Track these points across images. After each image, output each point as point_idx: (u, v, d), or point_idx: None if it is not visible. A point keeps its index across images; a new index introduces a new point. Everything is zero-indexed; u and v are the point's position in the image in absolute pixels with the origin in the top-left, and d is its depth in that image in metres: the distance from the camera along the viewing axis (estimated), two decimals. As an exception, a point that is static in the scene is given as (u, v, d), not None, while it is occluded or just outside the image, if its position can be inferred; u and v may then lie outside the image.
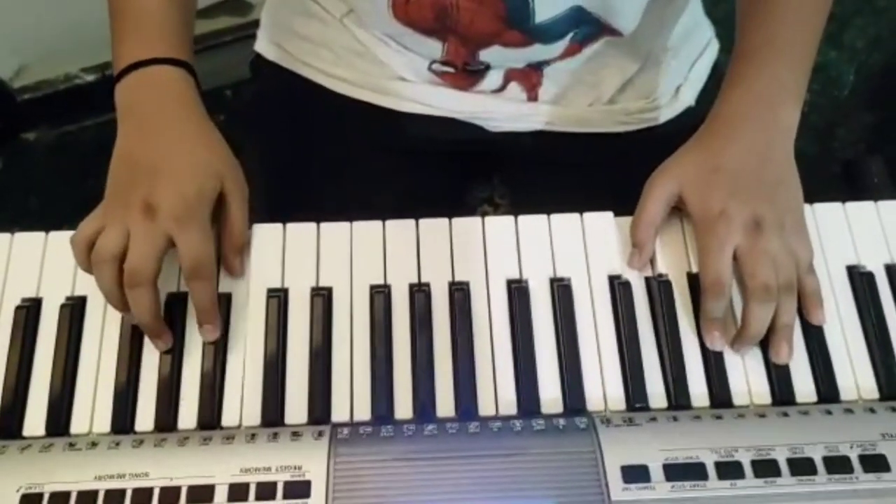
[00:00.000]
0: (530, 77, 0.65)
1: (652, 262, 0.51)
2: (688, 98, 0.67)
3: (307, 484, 0.43)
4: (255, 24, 1.25)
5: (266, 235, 0.51)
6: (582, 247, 0.51)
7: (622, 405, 0.47)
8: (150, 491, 0.42)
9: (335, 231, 0.51)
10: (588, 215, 0.52)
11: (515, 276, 0.50)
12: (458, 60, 0.63)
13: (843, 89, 1.41)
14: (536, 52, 0.62)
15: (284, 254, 0.50)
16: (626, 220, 0.52)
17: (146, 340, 0.48)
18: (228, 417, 0.46)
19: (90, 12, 1.12)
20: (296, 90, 0.69)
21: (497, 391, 0.47)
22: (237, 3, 1.20)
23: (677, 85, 0.67)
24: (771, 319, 0.47)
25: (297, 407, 0.46)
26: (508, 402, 0.47)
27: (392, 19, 0.60)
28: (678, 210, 0.52)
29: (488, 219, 0.52)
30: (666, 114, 0.66)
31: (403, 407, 0.47)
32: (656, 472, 0.43)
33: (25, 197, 1.26)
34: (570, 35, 0.61)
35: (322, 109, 0.68)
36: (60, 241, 0.51)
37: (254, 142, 0.71)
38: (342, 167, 0.67)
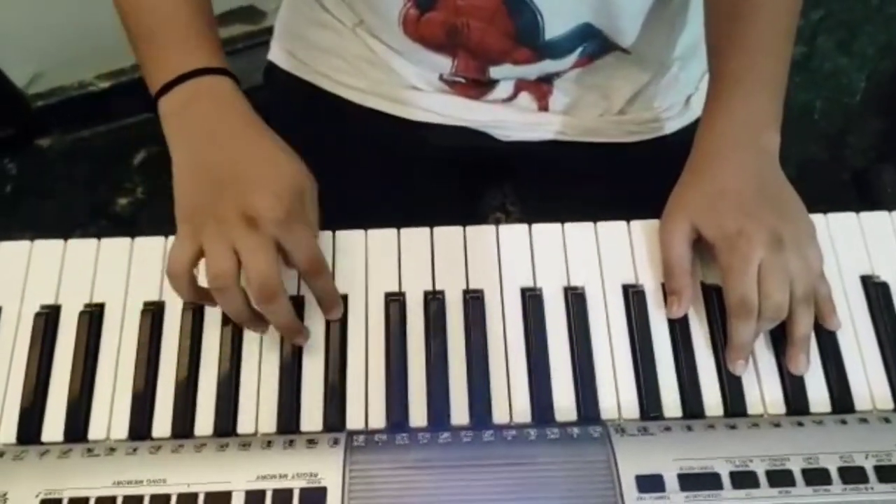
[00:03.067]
0: (540, 87, 0.66)
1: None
2: (698, 108, 0.67)
3: (323, 491, 0.43)
4: (268, 31, 1.26)
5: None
6: (596, 255, 0.51)
7: (636, 414, 0.47)
8: (167, 497, 0.43)
9: (350, 239, 0.52)
10: (602, 224, 0.52)
11: (529, 284, 0.50)
12: (469, 75, 0.63)
13: (853, 96, 1.41)
14: (546, 66, 0.62)
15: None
16: (640, 225, 0.52)
17: (163, 346, 0.48)
18: (244, 424, 0.47)
19: (104, 20, 1.13)
20: (308, 98, 0.70)
21: (511, 399, 0.47)
22: (250, 10, 1.21)
23: (688, 95, 0.68)
24: (789, 330, 0.47)
25: (312, 414, 0.47)
26: (522, 411, 0.47)
27: (402, 36, 0.61)
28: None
29: (502, 227, 0.52)
30: (676, 124, 0.67)
31: (418, 415, 0.47)
32: (671, 482, 0.43)
33: (40, 202, 1.27)
34: (579, 50, 0.61)
35: (334, 117, 0.69)
36: (79, 249, 0.51)
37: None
38: (354, 175, 0.67)
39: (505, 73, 0.63)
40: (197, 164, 0.48)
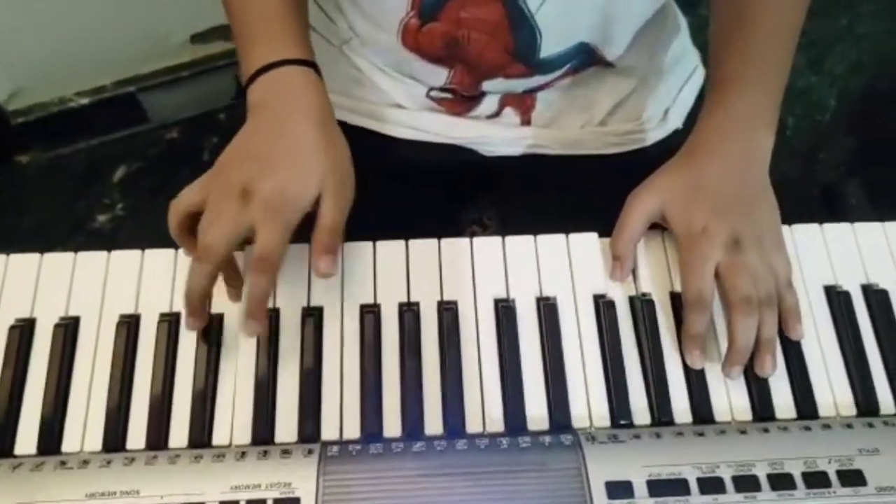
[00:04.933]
0: (524, 101, 0.67)
1: (636, 281, 0.52)
2: (675, 121, 0.69)
3: (296, 501, 0.43)
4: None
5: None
6: (567, 267, 0.52)
7: (607, 422, 0.48)
8: (141, 509, 0.43)
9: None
10: (573, 236, 0.53)
11: (503, 295, 0.51)
12: (462, 87, 0.65)
13: (824, 113, 1.44)
14: (534, 81, 0.64)
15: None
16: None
17: (138, 359, 0.49)
18: (219, 436, 0.47)
19: (85, 37, 1.14)
20: None
21: (484, 409, 0.48)
22: (230, 27, 1.22)
23: (665, 108, 0.69)
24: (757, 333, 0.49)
25: (287, 426, 0.47)
26: (495, 420, 0.48)
27: (401, 47, 0.62)
28: (662, 229, 0.53)
29: (476, 239, 0.53)
30: (654, 136, 0.68)
31: (392, 425, 0.47)
32: (640, 488, 0.44)
33: (19, 218, 1.26)
34: (568, 65, 0.63)
35: None
36: (55, 263, 0.51)
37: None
38: None
39: (495, 87, 0.65)
40: (243, 142, 0.51)
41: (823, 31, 1.52)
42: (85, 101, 1.22)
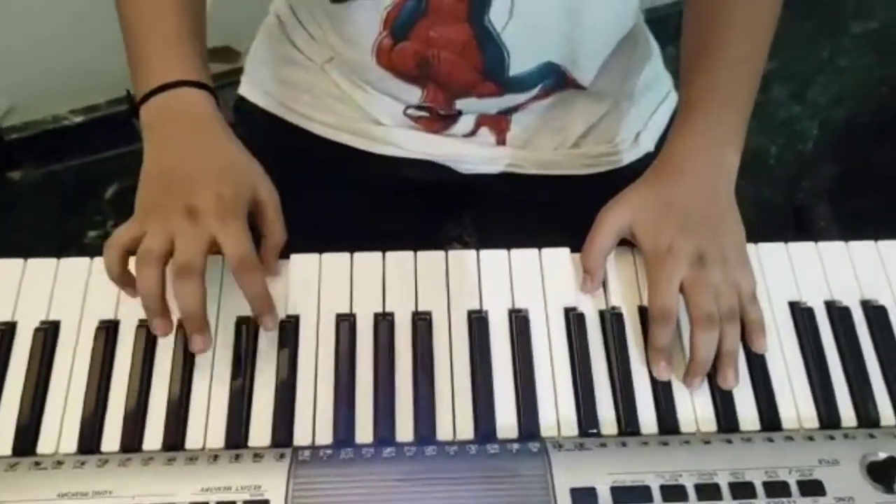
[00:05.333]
0: (500, 122, 0.69)
1: (606, 295, 0.54)
2: (647, 144, 0.71)
3: (265, 503, 0.44)
4: (242, 70, 1.30)
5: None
6: (540, 280, 0.54)
7: (575, 431, 0.49)
8: (111, 509, 0.44)
9: (305, 262, 0.54)
10: (546, 251, 0.55)
11: (476, 307, 0.53)
12: (436, 105, 0.67)
13: (806, 143, 1.47)
14: (508, 100, 0.66)
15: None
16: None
17: (116, 364, 0.50)
18: (193, 440, 0.48)
19: (79, 56, 1.16)
20: (276, 131, 0.72)
21: (455, 417, 0.49)
22: (226, 50, 1.25)
23: (637, 131, 0.71)
24: (716, 347, 0.50)
25: (260, 430, 0.48)
26: (466, 428, 0.49)
27: (375, 65, 0.64)
28: (632, 246, 0.55)
29: (451, 252, 0.54)
30: (627, 158, 0.70)
31: (364, 431, 0.48)
32: (604, 495, 0.45)
33: (9, 234, 1.27)
34: (540, 86, 0.65)
35: (302, 150, 0.71)
36: (37, 268, 0.53)
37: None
38: (320, 205, 0.70)
39: (469, 106, 0.67)
40: (159, 167, 0.52)
41: (806, 63, 1.56)
42: (79, 119, 1.24)
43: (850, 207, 1.28)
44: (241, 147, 0.53)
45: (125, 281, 0.49)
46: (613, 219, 0.54)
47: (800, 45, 1.58)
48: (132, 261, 0.49)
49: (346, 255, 0.54)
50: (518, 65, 0.62)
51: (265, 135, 0.73)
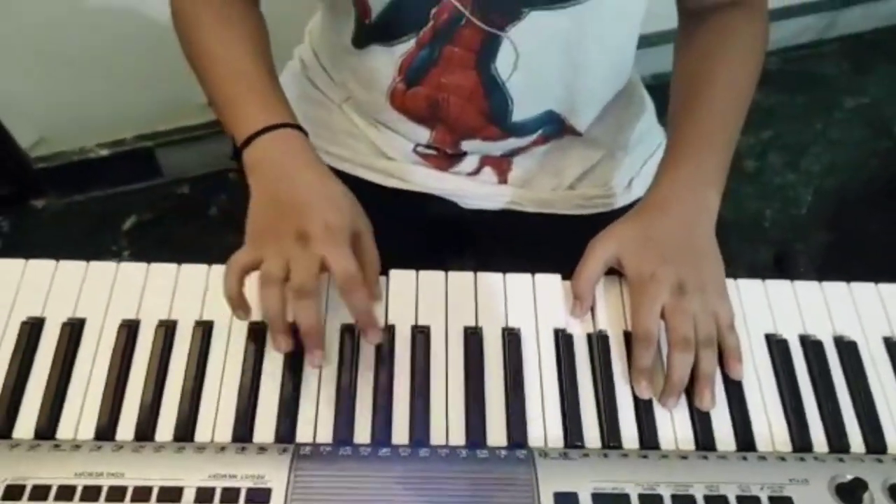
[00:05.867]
0: (502, 163, 0.74)
1: (594, 319, 0.57)
2: (639, 190, 0.76)
3: (268, 491, 0.47)
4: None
5: (253, 276, 0.57)
6: (532, 303, 0.58)
7: (560, 443, 0.52)
8: (124, 489, 0.46)
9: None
10: (538, 276, 0.59)
11: (472, 323, 0.56)
12: (443, 145, 0.72)
13: (800, 208, 1.52)
14: (510, 144, 0.71)
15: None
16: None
17: (134, 360, 0.53)
18: (202, 433, 0.51)
19: (110, 93, 1.23)
20: None
21: (448, 423, 0.52)
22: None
23: (630, 178, 0.77)
24: (694, 370, 0.53)
25: (265, 427, 0.51)
26: (458, 434, 0.52)
27: (389, 107, 0.69)
28: (619, 276, 0.59)
29: (451, 273, 0.58)
30: (619, 202, 0.75)
31: (363, 432, 0.51)
32: (585, 500, 0.48)
33: (27, 260, 1.32)
34: (539, 131, 0.70)
35: None
36: (68, 269, 0.57)
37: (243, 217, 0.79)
38: None
39: (474, 148, 0.72)
40: (268, 198, 0.56)
41: (800, 134, 1.63)
42: (105, 152, 1.30)
43: (839, 269, 1.32)
44: (339, 180, 0.58)
45: (241, 303, 0.53)
46: (602, 249, 0.58)
47: (795, 118, 1.66)
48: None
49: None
50: (520, 111, 0.68)
51: None
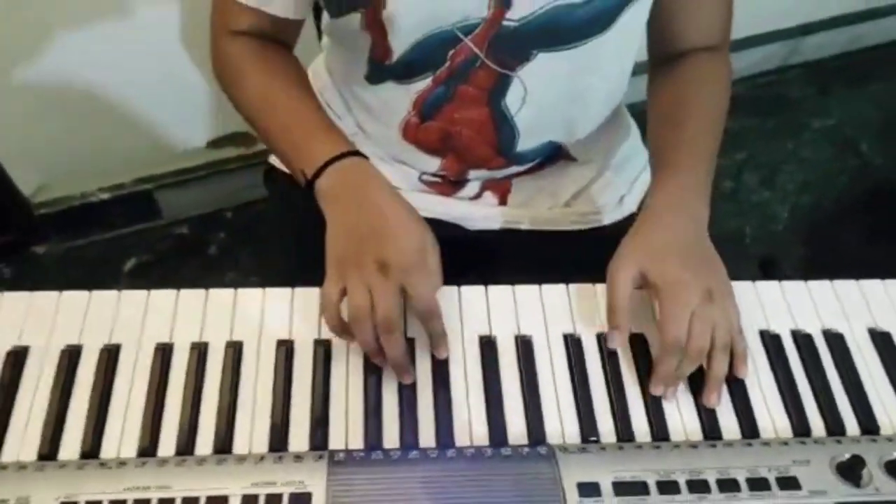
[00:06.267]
0: (501, 187, 0.79)
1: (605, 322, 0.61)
2: (631, 206, 0.81)
3: (309, 495, 0.50)
4: (260, 154, 1.42)
5: (277, 296, 0.61)
6: (541, 311, 0.62)
7: (577, 439, 0.55)
8: (172, 500, 0.49)
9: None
10: (545, 287, 0.63)
11: (486, 332, 0.60)
12: (451, 174, 0.77)
13: (778, 224, 1.59)
14: (510, 170, 0.76)
15: (292, 313, 0.60)
16: (575, 288, 0.63)
17: (171, 380, 0.56)
18: (240, 445, 0.54)
19: (111, 138, 1.27)
20: (306, 196, 0.81)
21: (471, 426, 0.55)
22: (243, 135, 1.36)
23: (622, 195, 0.81)
24: (706, 371, 0.57)
25: (299, 437, 0.54)
26: (481, 436, 0.55)
27: (401, 140, 0.74)
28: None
29: (464, 287, 0.62)
30: (612, 217, 0.80)
31: (391, 438, 0.54)
32: (606, 489, 0.51)
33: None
34: (538, 159, 0.75)
35: None
36: (101, 299, 0.60)
37: (271, 240, 0.83)
38: None
39: (479, 175, 0.77)
40: (345, 225, 0.59)
41: (773, 153, 1.70)
42: (105, 195, 1.33)
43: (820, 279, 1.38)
44: (405, 200, 0.62)
45: (344, 332, 0.57)
46: (624, 272, 0.59)
47: (766, 139, 1.73)
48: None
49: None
50: (525, 143, 0.73)
51: (294, 198, 0.82)
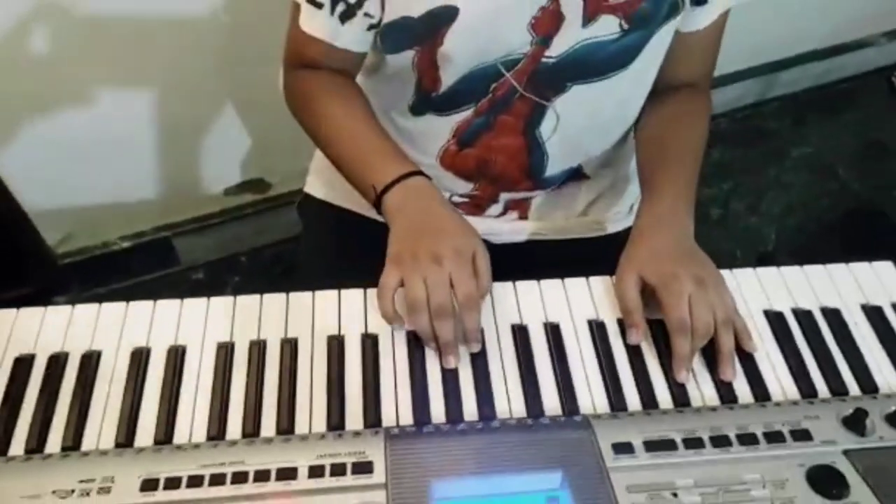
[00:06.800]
0: (522, 204, 0.86)
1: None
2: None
3: (370, 464, 0.54)
4: (275, 199, 1.49)
5: (326, 298, 0.67)
6: (565, 301, 0.68)
7: (607, 409, 0.61)
8: (245, 473, 0.54)
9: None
10: (568, 280, 0.69)
11: (517, 321, 0.66)
12: (483, 196, 0.84)
13: (767, 245, 1.67)
14: (535, 193, 0.84)
15: (340, 310, 0.66)
16: (595, 280, 0.69)
17: (234, 374, 0.61)
18: (300, 426, 0.59)
19: (133, 189, 1.33)
20: (340, 220, 0.88)
21: (510, 401, 0.61)
22: (259, 182, 1.43)
23: (630, 204, 0.89)
24: (716, 348, 0.63)
25: (355, 416, 0.59)
26: (519, 410, 0.60)
27: (438, 166, 0.81)
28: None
29: (494, 284, 0.68)
30: (623, 225, 0.87)
31: (437, 414, 0.59)
32: (639, 447, 0.56)
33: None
34: (560, 182, 0.83)
35: (362, 232, 0.86)
36: (166, 306, 0.65)
37: (307, 262, 0.90)
38: (374, 275, 0.83)
39: (507, 197, 0.84)
40: (407, 229, 0.66)
41: (757, 181, 1.80)
42: (127, 244, 1.39)
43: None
44: (461, 214, 0.69)
45: (396, 319, 0.63)
46: (627, 280, 0.66)
47: (749, 169, 1.83)
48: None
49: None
50: (552, 168, 0.81)
51: (329, 222, 0.89)
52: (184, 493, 0.52)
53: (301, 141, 0.99)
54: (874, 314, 0.68)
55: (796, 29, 1.81)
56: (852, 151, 1.87)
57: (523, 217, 0.87)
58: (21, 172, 1.21)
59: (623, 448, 0.56)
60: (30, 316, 0.65)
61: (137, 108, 1.21)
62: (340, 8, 0.70)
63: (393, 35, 0.71)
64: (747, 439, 0.57)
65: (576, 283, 0.69)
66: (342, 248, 0.87)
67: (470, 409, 0.60)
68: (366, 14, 0.70)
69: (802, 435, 0.57)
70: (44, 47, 1.07)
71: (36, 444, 0.57)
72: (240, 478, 0.53)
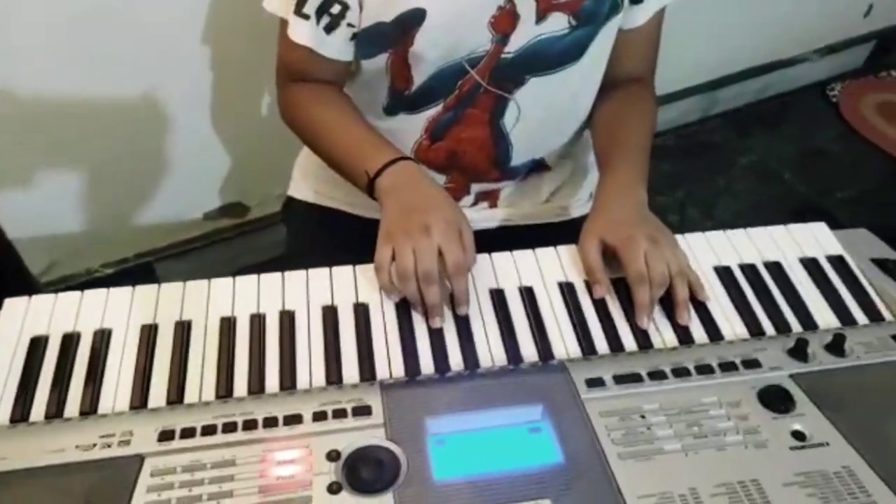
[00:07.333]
0: (492, 195, 0.94)
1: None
2: (597, 200, 0.96)
3: (368, 407, 0.60)
4: (252, 223, 1.54)
5: (319, 276, 0.72)
6: (537, 268, 0.75)
7: (579, 354, 0.67)
8: (255, 421, 0.59)
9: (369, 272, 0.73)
10: (539, 250, 0.76)
11: (494, 286, 0.73)
12: (456, 188, 0.91)
13: (722, 247, 1.76)
14: (503, 183, 0.91)
15: (332, 285, 0.72)
16: (563, 248, 0.76)
17: (237, 341, 0.66)
18: (302, 382, 0.64)
19: (115, 217, 1.37)
20: (323, 219, 0.94)
21: (492, 352, 0.67)
22: (238, 206, 1.49)
23: (590, 192, 0.97)
24: (673, 297, 0.70)
25: (351, 370, 0.64)
26: (500, 358, 0.66)
27: None
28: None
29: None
30: (583, 210, 0.95)
31: (426, 365, 0.65)
32: (609, 381, 0.63)
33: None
34: (524, 173, 0.90)
35: (344, 229, 0.93)
36: (170, 289, 0.70)
37: (296, 260, 0.95)
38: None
39: (478, 188, 0.92)
40: (399, 207, 0.73)
41: (708, 189, 1.91)
42: (110, 270, 1.42)
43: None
44: (447, 193, 0.75)
45: (392, 290, 0.69)
46: (588, 244, 0.74)
47: (701, 178, 1.94)
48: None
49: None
50: (517, 158, 0.88)
51: (313, 223, 0.95)
52: (199, 440, 0.57)
53: (278, 165, 1.05)
54: (811, 264, 0.76)
55: (732, 49, 1.95)
56: (795, 157, 2.00)
57: (493, 206, 0.94)
58: (4, 202, 1.25)
59: (595, 382, 0.63)
60: (42, 301, 0.69)
61: (117, 137, 1.26)
62: (325, 20, 0.78)
63: (368, 41, 0.79)
64: (704, 369, 0.64)
65: (546, 252, 0.76)
66: (327, 247, 0.93)
67: (456, 361, 0.66)
68: (349, 24, 0.78)
69: (753, 364, 0.65)
70: (24, 73, 1.13)
71: (55, 411, 0.61)
72: (250, 425, 0.58)
